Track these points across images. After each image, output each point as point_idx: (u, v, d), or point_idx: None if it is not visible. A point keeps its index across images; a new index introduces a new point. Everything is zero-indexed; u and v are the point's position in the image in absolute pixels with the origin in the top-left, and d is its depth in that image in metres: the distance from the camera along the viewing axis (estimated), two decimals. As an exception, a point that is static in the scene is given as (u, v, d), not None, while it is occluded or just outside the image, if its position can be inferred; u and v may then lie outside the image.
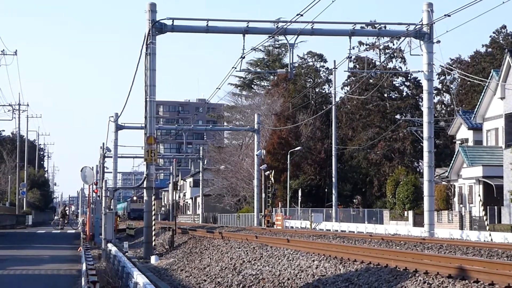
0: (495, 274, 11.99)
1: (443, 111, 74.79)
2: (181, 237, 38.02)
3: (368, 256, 16.80)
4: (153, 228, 32.85)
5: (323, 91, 78.85)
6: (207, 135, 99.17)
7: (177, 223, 45.09)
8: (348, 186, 71.77)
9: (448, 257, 15.81)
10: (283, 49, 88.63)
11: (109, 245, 27.47)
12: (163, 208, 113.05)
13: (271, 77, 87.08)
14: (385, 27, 37.78)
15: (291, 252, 20.47)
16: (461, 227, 42.61)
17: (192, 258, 27.48)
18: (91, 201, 44.60)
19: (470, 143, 51.65)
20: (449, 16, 28.95)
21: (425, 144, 33.15)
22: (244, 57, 32.87)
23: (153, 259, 29.56)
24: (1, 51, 65.32)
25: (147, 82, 31.99)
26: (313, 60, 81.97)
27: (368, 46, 66.83)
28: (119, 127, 59.56)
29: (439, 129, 61.28)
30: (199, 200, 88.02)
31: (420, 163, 68.83)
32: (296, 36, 33.38)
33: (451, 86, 74.79)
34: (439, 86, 75.12)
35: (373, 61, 70.38)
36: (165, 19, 32.17)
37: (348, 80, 73.88)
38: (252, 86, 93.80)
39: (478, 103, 49.53)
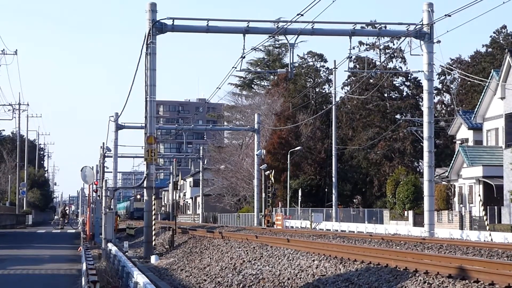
0: (495, 274, 11.99)
1: (443, 111, 74.78)
2: (181, 236, 38.02)
3: (368, 256, 16.81)
4: (153, 227, 32.86)
5: (323, 91, 78.86)
6: (207, 135, 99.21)
7: (177, 223, 45.10)
8: (348, 186, 71.77)
9: (448, 257, 15.81)
10: (283, 49, 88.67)
11: (109, 245, 27.47)
12: (163, 208, 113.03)
13: (271, 77, 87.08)
14: (385, 27, 37.73)
15: (291, 252, 20.47)
16: (461, 227, 42.60)
17: (192, 258, 27.49)
18: (91, 200, 44.60)
19: (470, 143, 51.65)
20: (449, 16, 28.97)
21: (425, 144, 33.15)
22: (244, 57, 32.92)
23: (153, 259, 29.57)
24: (1, 51, 65.39)
25: (147, 82, 32.00)
26: (313, 60, 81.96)
27: (368, 46, 66.82)
28: (119, 127, 59.56)
29: (439, 129, 61.27)
30: (199, 199, 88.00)
31: (420, 163, 68.85)
32: (296, 36, 33.38)
33: (451, 86, 74.78)
34: (439, 86, 75.12)
35: (373, 61, 70.41)
36: (165, 19, 32.19)
37: (348, 80, 73.89)
38: (252, 86, 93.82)
39: (478, 103, 49.54)
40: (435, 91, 68.39)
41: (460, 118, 53.40)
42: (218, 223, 73.50)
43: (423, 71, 33.32)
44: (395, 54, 68.04)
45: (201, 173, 79.59)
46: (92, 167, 40.94)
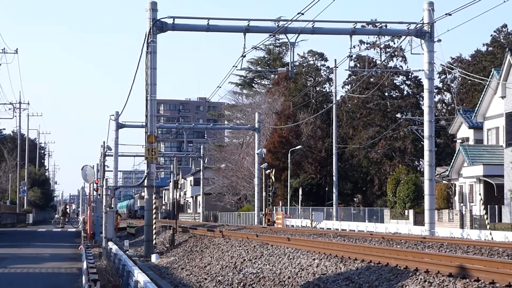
0: (496, 273, 11.99)
1: (444, 110, 74.76)
2: (181, 235, 38.03)
3: (368, 254, 16.80)
4: (154, 226, 32.86)
5: (324, 90, 78.85)
6: (207, 134, 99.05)
7: (178, 222, 45.12)
8: (349, 184, 71.77)
9: (449, 256, 15.81)
10: (284, 47, 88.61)
11: (110, 244, 27.46)
12: (163, 207, 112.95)
13: (272, 76, 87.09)
14: (386, 26, 37.76)
15: (292, 251, 20.47)
16: (462, 226, 42.60)
17: (192, 257, 27.50)
18: (91, 199, 44.61)
19: (471, 142, 51.65)
20: (450, 15, 28.98)
21: (426, 143, 33.14)
22: (244, 56, 32.90)
23: (153, 258, 29.59)
24: (2, 50, 65.38)
25: (148, 81, 32.01)
26: (314, 59, 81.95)
27: (369, 45, 66.78)
28: (119, 126, 59.55)
29: (439, 128, 61.28)
30: (199, 198, 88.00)
31: (421, 162, 68.83)
32: (297, 35, 33.37)
33: (452, 85, 74.77)
34: (440, 85, 75.10)
35: (374, 60, 70.40)
36: (166, 17, 32.20)
37: (349, 79, 73.87)
38: (253, 84, 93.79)
39: (479, 102, 49.54)
40: (435, 90, 68.34)
41: (461, 117, 53.39)
42: (218, 222, 73.52)
43: (423, 70, 33.30)
44: (396, 53, 68.01)
45: (201, 172, 79.60)
46: (93, 166, 40.99)
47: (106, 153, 58.14)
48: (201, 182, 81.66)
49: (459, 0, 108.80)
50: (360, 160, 70.56)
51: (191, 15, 35.36)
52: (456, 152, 50.83)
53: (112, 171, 63.54)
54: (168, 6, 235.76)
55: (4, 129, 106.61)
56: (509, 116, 43.61)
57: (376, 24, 38.24)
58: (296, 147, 61.51)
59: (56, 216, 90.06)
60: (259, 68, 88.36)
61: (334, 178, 55.33)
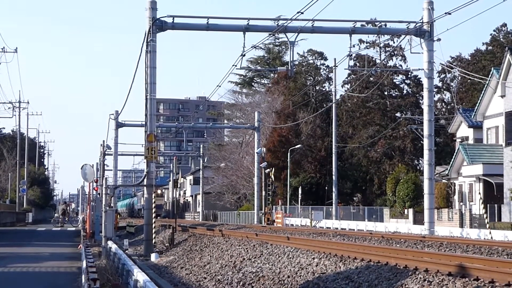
0: (495, 272, 11.99)
1: (444, 109, 74.78)
2: (181, 234, 38.03)
3: (368, 254, 16.80)
4: (153, 225, 32.86)
5: (324, 89, 78.85)
6: (207, 133, 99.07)
7: (177, 221, 45.11)
8: (348, 184, 71.77)
9: (448, 255, 15.81)
10: (284, 47, 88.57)
11: (109, 243, 27.45)
12: (164, 206, 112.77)
13: (272, 75, 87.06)
14: (385, 25, 37.77)
15: (291, 250, 20.47)
16: (461, 225, 42.61)
17: (192, 256, 27.51)
18: (91, 198, 44.61)
19: (471, 141, 51.65)
20: (449, 14, 28.92)
21: (425, 142, 33.14)
22: (244, 55, 32.86)
23: (153, 257, 29.58)
24: (2, 49, 65.41)
25: (147, 80, 31.99)
26: (314, 58, 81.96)
27: (368, 44, 66.78)
28: (119, 125, 59.52)
29: (439, 127, 61.26)
30: (199, 197, 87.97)
31: (420, 161, 68.85)
32: (296, 34, 33.34)
33: (452, 84, 74.78)
34: (440, 84, 75.12)
35: (374, 59, 70.39)
36: (165, 16, 32.18)
37: (349, 78, 73.87)
38: (253, 84, 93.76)
39: (479, 101, 49.53)
40: (435, 89, 68.34)
41: (460, 116, 53.40)
42: (218, 221, 73.50)
43: (423, 69, 33.29)
44: (395, 52, 68.03)
45: (201, 171, 79.57)
46: (92, 165, 40.97)
47: (106, 152, 58.10)
48: (201, 181, 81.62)
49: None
50: (360, 159, 70.57)
51: (191, 14, 35.29)
52: (456, 151, 50.82)
53: (111, 170, 63.51)
54: (168, 5, 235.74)
55: (4, 128, 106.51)
56: (509, 115, 43.60)
57: (376, 23, 38.26)
58: (296, 146, 61.50)
59: (56, 215, 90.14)
60: (259, 67, 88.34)
61: (333, 177, 55.33)
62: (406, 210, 51.03)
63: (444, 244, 20.33)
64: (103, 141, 57.18)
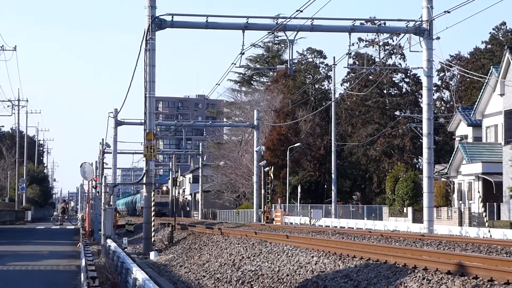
0: (494, 270, 11.99)
1: (443, 108, 74.80)
2: (180, 233, 38.02)
3: (367, 252, 16.80)
4: (153, 224, 32.85)
5: (323, 88, 78.83)
6: (206, 131, 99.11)
7: (177, 219, 45.11)
8: (348, 182, 71.79)
9: (447, 253, 15.81)
10: (283, 45, 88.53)
11: (108, 241, 27.46)
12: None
13: (271, 73, 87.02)
14: (384, 23, 37.72)
15: (290, 248, 20.47)
16: (460, 223, 42.62)
17: (191, 254, 27.51)
18: (90, 197, 44.60)
19: (470, 140, 51.66)
20: (448, 12, 28.90)
21: (425, 141, 33.14)
22: (243, 53, 32.84)
23: (152, 255, 29.57)
24: (1, 47, 65.36)
25: (146, 78, 31.96)
26: (313, 56, 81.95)
27: (367, 43, 66.78)
28: (118, 123, 59.47)
29: (438, 125, 61.31)
30: (198, 196, 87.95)
31: (420, 160, 68.83)
32: (295, 32, 33.31)
33: (451, 82, 74.79)
34: (439, 83, 75.15)
35: (373, 57, 70.38)
36: (164, 15, 32.14)
37: (348, 76, 73.91)
38: (252, 82, 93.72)
39: (478, 100, 49.53)
40: (434, 88, 68.41)
41: (460, 115, 53.40)
42: (217, 219, 73.49)
43: (422, 68, 33.28)
44: (395, 51, 68.04)
45: (200, 169, 79.54)
46: (92, 163, 40.97)
47: (105, 151, 58.01)
48: (200, 179, 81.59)
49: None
50: (359, 157, 70.59)
51: (190, 12, 35.27)
52: (455, 150, 50.82)
53: (111, 168, 63.47)
54: (167, 4, 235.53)
55: (3, 126, 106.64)
56: (508, 114, 43.61)
57: (375, 22, 38.23)
58: (295, 145, 61.51)
59: (55, 213, 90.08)
60: (258, 66, 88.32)
61: (333, 175, 55.33)
62: (405, 209, 51.04)
63: (443, 243, 20.33)
64: (102, 139, 57.06)
